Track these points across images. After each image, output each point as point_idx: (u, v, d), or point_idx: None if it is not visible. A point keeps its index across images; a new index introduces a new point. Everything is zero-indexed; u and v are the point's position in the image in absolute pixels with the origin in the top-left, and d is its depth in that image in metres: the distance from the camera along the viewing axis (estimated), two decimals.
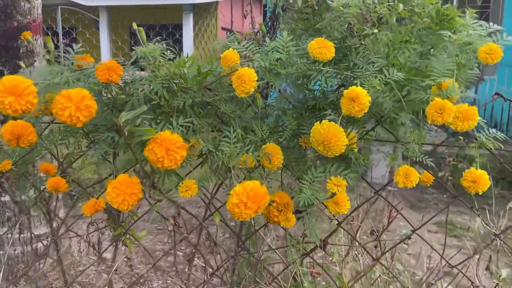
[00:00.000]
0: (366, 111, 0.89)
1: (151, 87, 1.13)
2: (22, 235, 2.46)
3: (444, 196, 5.00)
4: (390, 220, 1.20)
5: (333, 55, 0.97)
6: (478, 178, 1.02)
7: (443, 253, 1.31)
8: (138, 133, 0.96)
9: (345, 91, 0.90)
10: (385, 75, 0.95)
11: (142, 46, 1.12)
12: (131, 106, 1.12)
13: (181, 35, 9.19)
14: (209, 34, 9.39)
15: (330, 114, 1.05)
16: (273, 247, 1.30)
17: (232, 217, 0.89)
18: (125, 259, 1.30)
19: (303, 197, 0.96)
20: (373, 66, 0.98)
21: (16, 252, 2.46)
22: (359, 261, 1.39)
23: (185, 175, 1.22)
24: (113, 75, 1.05)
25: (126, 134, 0.90)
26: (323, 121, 0.98)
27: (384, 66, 0.99)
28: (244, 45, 1.11)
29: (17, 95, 0.97)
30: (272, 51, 1.02)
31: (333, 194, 0.96)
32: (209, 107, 1.16)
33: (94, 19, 9.40)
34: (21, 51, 2.31)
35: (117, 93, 1.14)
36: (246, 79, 0.97)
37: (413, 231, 1.19)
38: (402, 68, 1.01)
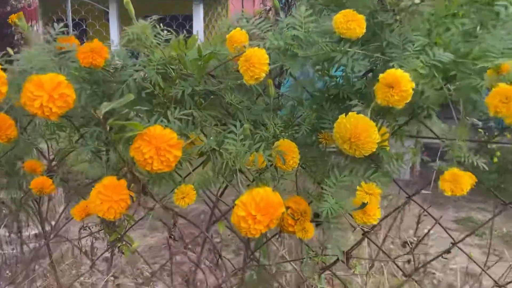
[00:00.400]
0: (408, 101, 0.70)
1: (145, 74, 0.96)
2: (20, 234, 2.32)
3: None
4: (424, 235, 1.02)
5: (364, 31, 0.78)
6: None
7: (485, 265, 1.12)
8: (129, 128, 0.79)
9: (381, 75, 0.71)
10: (429, 56, 0.76)
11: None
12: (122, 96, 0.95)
13: (191, 26, 9.00)
14: (219, 25, 9.18)
15: (357, 105, 0.86)
16: (288, 258, 1.12)
17: (239, 232, 0.71)
18: (112, 278, 1.14)
19: (325, 207, 0.78)
20: (413, 45, 0.79)
21: (15, 251, 2.33)
22: (384, 273, 1.21)
23: (184, 176, 1.05)
24: (97, 58, 0.87)
25: (108, 129, 0.72)
26: (350, 113, 0.80)
27: (425, 45, 0.79)
28: (253, 23, 0.92)
29: None
30: (288, 28, 0.83)
31: (364, 204, 0.78)
32: (212, 97, 0.98)
33: (104, 10, 9.23)
34: (15, 38, 2.15)
35: (104, 80, 0.97)
36: (256, 62, 0.78)
37: (453, 244, 1.01)
38: (446, 49, 0.82)
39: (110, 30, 9.21)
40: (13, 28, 2.16)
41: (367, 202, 0.76)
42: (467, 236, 1.00)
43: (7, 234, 2.28)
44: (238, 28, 0.96)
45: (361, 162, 0.92)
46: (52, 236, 1.33)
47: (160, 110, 0.98)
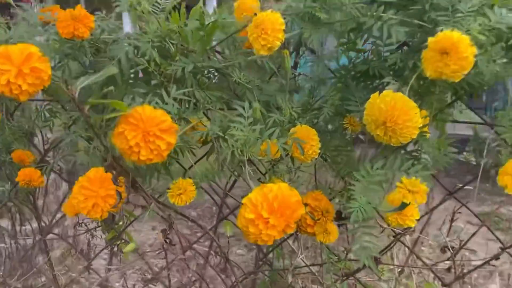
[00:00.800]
0: (468, 71, 0.54)
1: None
2: (23, 227, 2.22)
3: (487, 185, 4.55)
4: (467, 240, 0.87)
5: None
6: None
7: None
8: (111, 109, 0.64)
9: (431, 39, 0.56)
10: (490, 18, 0.60)
11: None
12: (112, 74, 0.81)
13: None
14: None
15: (390, 82, 0.71)
16: (305, 261, 0.98)
17: (246, 238, 0.57)
18: None
19: (355, 207, 0.63)
20: (465, 5, 0.63)
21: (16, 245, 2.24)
22: (413, 279, 1.06)
23: (188, 168, 0.90)
24: (80, 27, 0.73)
25: (85, 110, 0.58)
26: (385, 91, 0.65)
27: (482, 5, 0.63)
28: None
29: None
30: None
31: (404, 205, 0.63)
32: (217, 75, 0.84)
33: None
34: (14, 20, 2.02)
35: (92, 54, 0.83)
36: (269, 27, 0.63)
37: (502, 250, 0.85)
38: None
39: (123, 20, 9.10)
40: (11, 10, 2.03)
41: (409, 203, 0.61)
42: None
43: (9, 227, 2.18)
44: None
45: (393, 152, 0.77)
46: (45, 232, 1.21)
47: (159, 92, 0.84)
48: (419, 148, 0.75)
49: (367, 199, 0.64)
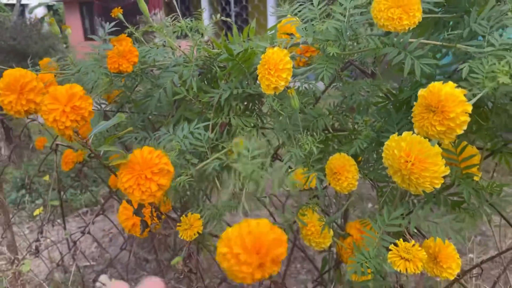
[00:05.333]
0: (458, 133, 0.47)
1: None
2: None
3: None
4: None
5: (416, 20, 0.55)
6: None
7: None
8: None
9: (421, 91, 0.49)
10: None
11: None
12: (158, 103, 0.90)
13: None
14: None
15: None
16: None
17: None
18: None
19: (353, 265, 0.59)
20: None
21: None
22: None
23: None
24: (123, 62, 0.83)
25: (99, 155, 0.67)
26: (405, 133, 0.59)
27: None
28: (294, 10, 0.75)
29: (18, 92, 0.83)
30: (321, 19, 0.65)
31: None
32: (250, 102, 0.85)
33: None
34: (140, 27, 2.30)
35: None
36: (272, 66, 0.63)
37: None
38: None
39: (267, 4, 9.37)
40: (137, 18, 2.31)
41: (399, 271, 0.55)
42: None
43: None
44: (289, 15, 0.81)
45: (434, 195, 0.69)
46: None
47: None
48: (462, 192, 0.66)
49: (374, 252, 0.60)
